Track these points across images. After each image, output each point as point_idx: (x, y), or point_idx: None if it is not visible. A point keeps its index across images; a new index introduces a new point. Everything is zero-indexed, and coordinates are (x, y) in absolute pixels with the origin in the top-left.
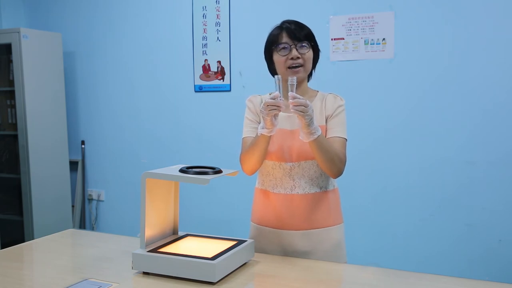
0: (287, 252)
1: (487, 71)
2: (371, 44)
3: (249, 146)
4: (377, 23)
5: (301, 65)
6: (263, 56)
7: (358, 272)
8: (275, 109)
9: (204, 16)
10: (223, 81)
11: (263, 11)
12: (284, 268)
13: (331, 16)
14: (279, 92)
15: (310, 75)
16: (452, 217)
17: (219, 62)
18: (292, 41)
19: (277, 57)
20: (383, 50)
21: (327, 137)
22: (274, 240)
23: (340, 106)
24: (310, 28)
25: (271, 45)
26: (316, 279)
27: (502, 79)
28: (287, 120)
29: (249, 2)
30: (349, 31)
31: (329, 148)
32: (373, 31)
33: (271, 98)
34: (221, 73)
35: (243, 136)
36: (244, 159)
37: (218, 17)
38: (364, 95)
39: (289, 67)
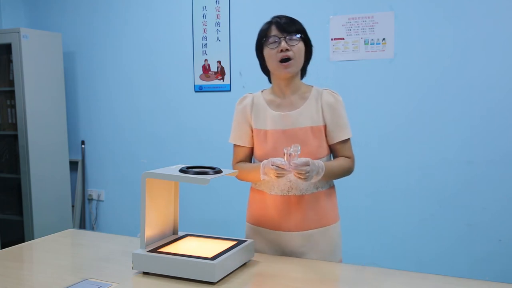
0: (284, 252)
1: (487, 71)
2: (371, 44)
3: (245, 170)
4: (377, 23)
5: (292, 58)
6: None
7: (358, 272)
8: (281, 175)
9: (204, 16)
10: (223, 81)
11: (263, 11)
12: (284, 268)
13: (331, 16)
14: (286, 163)
15: (305, 71)
16: (452, 217)
17: (219, 62)
18: (281, 33)
19: (267, 51)
20: (383, 50)
21: (331, 143)
22: (270, 241)
23: (337, 103)
24: (311, 28)
25: (261, 40)
26: (317, 279)
27: (502, 79)
28: (281, 120)
29: (249, 2)
30: (349, 31)
31: (338, 170)
32: (373, 31)
33: (278, 166)
34: (221, 73)
35: (232, 142)
36: (238, 176)
37: (218, 17)
38: (364, 95)
39: (280, 61)
